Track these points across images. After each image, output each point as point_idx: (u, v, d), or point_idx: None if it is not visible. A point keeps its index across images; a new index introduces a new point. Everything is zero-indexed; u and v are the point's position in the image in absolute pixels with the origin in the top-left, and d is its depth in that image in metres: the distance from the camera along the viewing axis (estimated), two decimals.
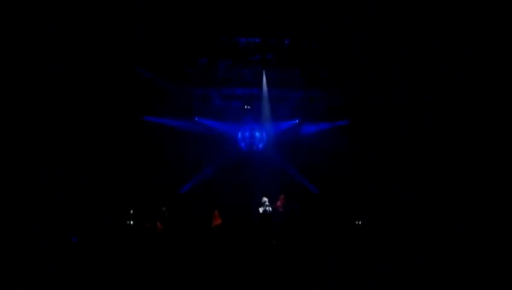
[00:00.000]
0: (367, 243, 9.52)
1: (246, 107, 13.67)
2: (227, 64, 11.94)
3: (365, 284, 5.78)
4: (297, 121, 13.93)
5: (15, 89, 10.20)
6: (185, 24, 10.32)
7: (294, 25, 10.49)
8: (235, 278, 6.06)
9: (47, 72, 10.63)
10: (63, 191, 11.24)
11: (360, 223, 12.66)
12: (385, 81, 12.44)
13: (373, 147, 13.19)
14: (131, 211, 12.83)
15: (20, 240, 8.29)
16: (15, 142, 10.33)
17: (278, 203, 12.12)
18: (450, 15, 9.82)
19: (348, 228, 12.49)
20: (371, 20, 10.20)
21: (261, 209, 11.34)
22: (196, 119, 13.71)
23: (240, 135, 13.66)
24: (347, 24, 10.38)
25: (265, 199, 11.37)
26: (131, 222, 12.76)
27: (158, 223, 11.70)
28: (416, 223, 11.27)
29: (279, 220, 11.90)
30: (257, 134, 13.59)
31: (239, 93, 13.30)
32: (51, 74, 10.75)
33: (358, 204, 12.90)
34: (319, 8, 9.91)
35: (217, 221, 11.94)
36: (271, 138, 13.68)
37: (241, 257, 6.99)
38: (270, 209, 11.38)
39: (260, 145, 13.61)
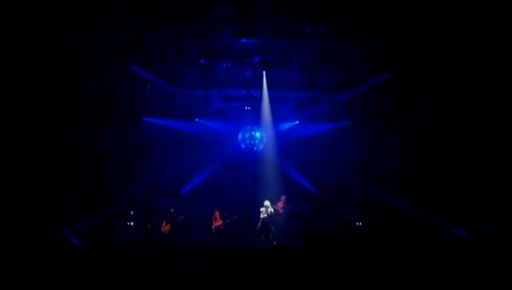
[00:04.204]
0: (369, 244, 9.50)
1: (246, 108, 13.67)
2: (227, 66, 11.94)
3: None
4: (297, 122, 13.95)
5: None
6: (185, 25, 10.34)
7: (296, 26, 10.49)
8: (236, 278, 6.04)
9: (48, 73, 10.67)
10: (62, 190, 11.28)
11: (360, 224, 12.67)
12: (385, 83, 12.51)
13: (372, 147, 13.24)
14: (132, 213, 12.84)
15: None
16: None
17: (279, 203, 12.14)
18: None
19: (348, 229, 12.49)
20: (369, 20, 10.22)
21: (262, 211, 11.34)
22: (197, 120, 13.73)
23: (240, 135, 13.65)
24: (345, 24, 10.39)
25: (267, 203, 11.39)
26: (132, 223, 12.77)
27: (164, 224, 11.67)
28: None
29: (281, 221, 11.93)
30: (257, 135, 13.58)
31: (239, 95, 13.29)
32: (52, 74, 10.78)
33: (359, 205, 12.91)
34: (319, 9, 9.93)
35: (218, 222, 11.93)
36: (271, 139, 13.67)
37: (241, 258, 6.97)
38: (272, 210, 11.37)
39: (260, 146, 13.59)
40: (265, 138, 13.56)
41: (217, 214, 12.00)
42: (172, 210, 11.81)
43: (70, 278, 5.96)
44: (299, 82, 12.75)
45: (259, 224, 11.31)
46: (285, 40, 11.07)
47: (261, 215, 11.31)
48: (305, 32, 10.72)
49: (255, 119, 13.56)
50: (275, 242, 10.84)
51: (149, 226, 11.96)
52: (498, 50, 10.09)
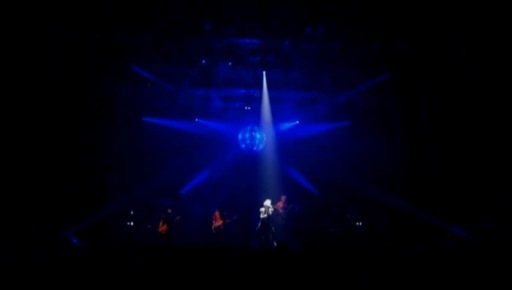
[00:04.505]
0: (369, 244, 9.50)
1: (246, 108, 13.68)
2: (227, 66, 11.94)
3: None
4: (297, 122, 13.95)
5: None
6: (185, 25, 10.34)
7: (296, 26, 10.49)
8: (236, 278, 6.04)
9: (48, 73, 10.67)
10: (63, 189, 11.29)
11: (360, 224, 12.68)
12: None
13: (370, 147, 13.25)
14: (132, 213, 12.85)
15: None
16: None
17: (279, 204, 12.15)
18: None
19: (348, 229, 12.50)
20: (369, 20, 10.21)
21: (262, 211, 11.33)
22: (197, 120, 13.74)
23: (240, 135, 13.66)
24: (345, 24, 10.39)
25: (267, 202, 11.38)
26: (132, 223, 12.78)
27: (161, 224, 11.67)
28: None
29: (281, 221, 11.94)
30: (257, 135, 13.60)
31: (239, 95, 13.29)
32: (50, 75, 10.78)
33: (359, 205, 12.92)
34: (319, 9, 9.92)
35: (218, 222, 11.94)
36: (271, 139, 13.68)
37: (241, 258, 6.98)
38: (272, 210, 11.37)
39: (260, 146, 13.60)
40: (265, 138, 13.57)
41: (217, 214, 12.00)
42: (169, 210, 11.80)
43: (70, 278, 5.96)
44: (299, 82, 12.74)
45: (259, 224, 11.31)
46: (285, 40, 11.06)
47: (261, 216, 11.31)
48: (305, 32, 10.71)
49: (255, 119, 13.56)
50: (275, 242, 10.84)
51: (149, 226, 11.95)
52: (498, 50, 10.09)
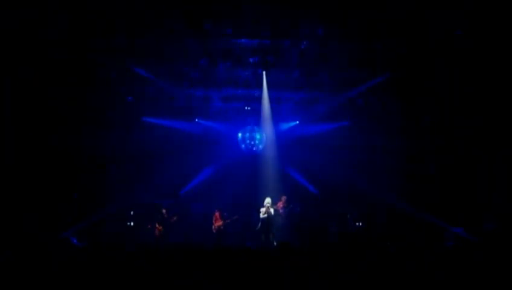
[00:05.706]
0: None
1: (246, 108, 13.67)
2: (227, 66, 11.93)
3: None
4: (297, 122, 13.94)
5: None
6: (185, 25, 10.33)
7: (295, 26, 10.48)
8: (236, 279, 6.04)
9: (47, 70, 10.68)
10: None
11: (360, 224, 12.69)
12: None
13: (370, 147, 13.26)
14: (132, 213, 12.86)
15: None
16: None
17: (279, 204, 12.15)
18: None
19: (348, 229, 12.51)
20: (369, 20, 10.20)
21: (262, 211, 11.33)
22: (197, 120, 13.73)
23: (240, 136, 13.66)
24: (345, 24, 10.38)
25: (268, 200, 11.37)
26: (132, 223, 12.78)
27: (157, 225, 11.69)
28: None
29: (281, 221, 11.94)
30: (257, 135, 13.58)
31: (239, 95, 13.27)
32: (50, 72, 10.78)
33: (359, 205, 12.92)
34: (319, 9, 9.92)
35: (218, 222, 11.95)
36: (271, 139, 13.67)
37: (242, 258, 6.98)
38: (272, 210, 11.37)
39: (260, 147, 13.59)
40: (265, 138, 13.56)
41: (217, 214, 12.02)
42: (164, 211, 11.80)
43: (70, 278, 5.96)
44: (299, 82, 12.73)
45: (259, 224, 11.31)
46: (285, 40, 11.05)
47: (261, 215, 11.30)
48: (305, 32, 10.70)
49: (255, 119, 13.55)
50: (275, 242, 10.84)
51: (149, 226, 11.97)
52: (498, 49, 10.09)
